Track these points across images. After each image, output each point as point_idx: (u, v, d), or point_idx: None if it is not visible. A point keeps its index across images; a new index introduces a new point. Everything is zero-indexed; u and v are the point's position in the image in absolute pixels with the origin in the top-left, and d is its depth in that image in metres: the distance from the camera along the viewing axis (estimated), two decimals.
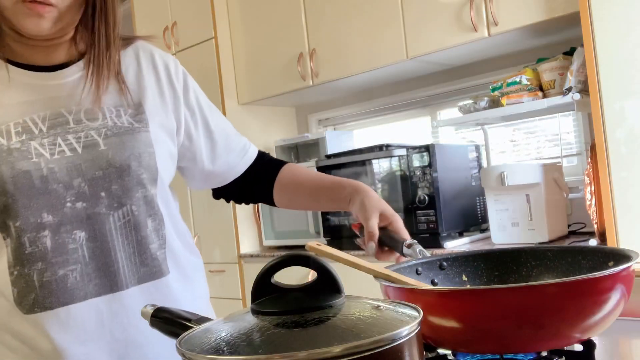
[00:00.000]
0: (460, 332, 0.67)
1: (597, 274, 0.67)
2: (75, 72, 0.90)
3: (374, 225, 0.94)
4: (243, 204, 1.17)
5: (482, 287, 0.85)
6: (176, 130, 1.00)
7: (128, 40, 0.98)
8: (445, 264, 0.94)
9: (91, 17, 0.87)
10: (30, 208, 0.83)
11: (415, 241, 0.98)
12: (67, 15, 0.84)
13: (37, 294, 0.84)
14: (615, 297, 0.68)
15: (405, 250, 0.98)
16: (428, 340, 0.73)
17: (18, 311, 0.85)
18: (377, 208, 0.97)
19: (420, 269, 0.91)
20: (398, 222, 0.97)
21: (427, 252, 0.98)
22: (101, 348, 0.87)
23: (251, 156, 1.13)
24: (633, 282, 0.73)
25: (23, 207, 0.82)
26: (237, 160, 1.11)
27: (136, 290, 0.90)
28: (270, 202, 1.15)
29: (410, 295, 0.71)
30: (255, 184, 1.13)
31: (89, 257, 0.86)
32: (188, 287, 0.98)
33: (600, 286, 0.67)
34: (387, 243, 1.04)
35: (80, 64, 0.91)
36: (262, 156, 1.15)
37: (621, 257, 0.77)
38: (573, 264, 0.87)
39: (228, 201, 1.19)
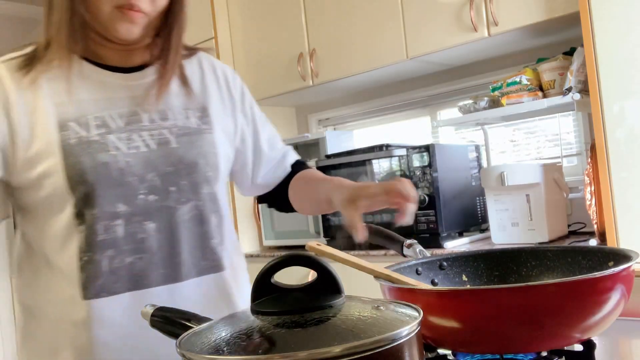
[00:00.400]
0: (460, 332, 0.67)
1: (597, 274, 0.67)
2: (149, 75, 0.97)
3: (353, 212, 0.90)
4: (285, 212, 1.21)
5: (482, 287, 0.86)
6: (233, 136, 1.07)
7: (191, 50, 1.06)
8: (445, 264, 0.94)
9: (169, 25, 0.95)
10: (107, 198, 0.88)
11: (415, 241, 0.98)
12: (153, 23, 0.92)
13: (105, 280, 0.89)
14: (615, 297, 0.68)
15: (405, 250, 0.98)
16: (428, 340, 0.73)
17: (80, 298, 0.89)
18: (347, 191, 0.93)
19: (420, 269, 0.91)
20: (370, 187, 0.92)
21: (427, 252, 0.98)
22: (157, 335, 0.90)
23: (286, 167, 1.17)
24: (633, 282, 0.73)
25: (101, 196, 0.88)
26: (277, 171, 1.16)
27: (195, 282, 0.95)
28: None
29: (410, 296, 0.71)
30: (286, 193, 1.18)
31: (156, 247, 0.92)
32: (238, 284, 1.03)
33: (600, 286, 0.67)
34: (386, 243, 1.04)
35: (153, 67, 0.97)
36: (300, 165, 1.19)
37: (621, 257, 0.77)
38: (573, 264, 0.87)
39: (270, 207, 1.23)
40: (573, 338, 0.69)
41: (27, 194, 0.92)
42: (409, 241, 0.99)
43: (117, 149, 0.90)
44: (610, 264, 0.79)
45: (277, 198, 1.18)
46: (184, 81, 1.01)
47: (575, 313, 0.66)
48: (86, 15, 0.88)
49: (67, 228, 0.89)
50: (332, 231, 2.79)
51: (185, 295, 0.94)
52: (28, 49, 0.95)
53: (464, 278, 0.93)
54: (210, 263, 0.98)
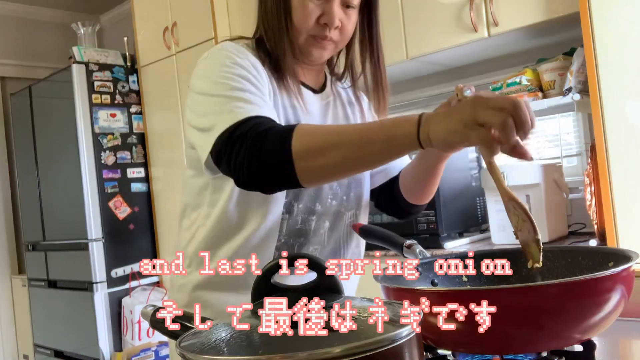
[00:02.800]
0: (460, 333, 0.67)
1: (597, 275, 0.67)
2: (325, 98, 1.13)
3: None
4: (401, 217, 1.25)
5: (481, 287, 0.85)
6: None
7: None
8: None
9: (375, 53, 1.13)
10: (310, 197, 1.06)
11: (415, 242, 0.98)
12: (337, 49, 1.08)
13: None
14: (615, 297, 0.68)
15: (405, 250, 0.98)
16: (428, 340, 0.73)
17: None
18: None
19: (420, 269, 0.91)
20: None
21: (427, 253, 0.98)
22: None
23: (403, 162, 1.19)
24: (633, 282, 0.72)
25: (307, 195, 1.05)
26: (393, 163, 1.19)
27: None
28: (408, 206, 1.20)
29: (410, 296, 0.71)
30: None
31: (326, 242, 1.10)
32: (354, 286, 1.18)
33: (600, 287, 0.67)
34: (386, 243, 1.04)
35: (327, 90, 1.14)
36: None
37: (621, 257, 0.77)
38: (573, 265, 0.87)
39: (382, 210, 1.27)
40: (573, 338, 0.69)
41: None
42: (408, 242, 0.99)
43: None
44: (610, 264, 0.79)
45: (386, 199, 1.22)
46: (355, 95, 1.18)
47: (575, 314, 0.66)
48: (286, 41, 1.01)
49: (277, 213, 1.04)
50: None
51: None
52: (246, 42, 1.06)
53: (464, 279, 0.93)
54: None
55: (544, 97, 2.27)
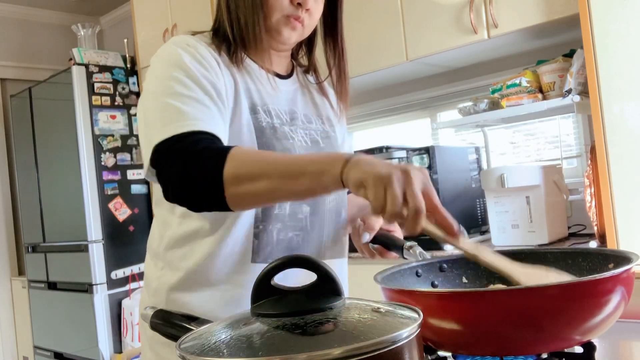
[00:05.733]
0: (460, 335, 0.67)
1: (598, 276, 0.66)
2: (293, 83, 1.14)
3: (377, 222, 1.00)
4: None
5: (481, 289, 0.85)
6: (341, 143, 1.21)
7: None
8: (445, 265, 0.94)
9: (339, 42, 1.19)
10: None
11: (415, 243, 0.98)
12: (303, 35, 1.08)
13: (272, 248, 1.01)
14: (615, 299, 0.68)
15: (405, 252, 0.98)
16: (428, 342, 0.72)
17: (248, 262, 1.00)
18: None
19: (420, 270, 0.91)
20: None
21: (427, 255, 0.98)
22: None
23: None
24: (633, 284, 0.72)
25: None
26: None
27: (332, 262, 1.09)
28: None
29: (410, 298, 0.71)
30: None
31: (309, 227, 1.06)
32: (346, 273, 1.17)
33: (600, 288, 0.67)
34: (386, 244, 1.04)
35: (295, 77, 1.15)
36: None
37: (621, 259, 0.77)
38: (573, 266, 0.87)
39: None
40: (573, 340, 0.69)
41: None
42: (409, 243, 0.99)
43: (292, 139, 1.04)
44: (611, 265, 0.79)
45: None
46: (322, 90, 1.20)
47: (575, 315, 0.66)
48: (261, 21, 1.02)
49: None
50: None
51: None
52: (204, 36, 1.05)
53: (464, 280, 0.93)
54: (339, 248, 1.13)
55: (544, 98, 2.27)
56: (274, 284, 0.61)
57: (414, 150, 2.47)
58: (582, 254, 0.87)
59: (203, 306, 0.99)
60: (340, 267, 1.13)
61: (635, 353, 0.91)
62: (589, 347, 0.77)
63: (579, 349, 0.78)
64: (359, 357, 0.48)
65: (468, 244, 0.75)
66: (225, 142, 0.94)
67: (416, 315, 0.56)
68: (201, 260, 0.99)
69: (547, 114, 2.45)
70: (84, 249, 3.43)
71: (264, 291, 0.61)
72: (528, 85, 2.29)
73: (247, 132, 0.98)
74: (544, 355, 0.76)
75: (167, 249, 1.03)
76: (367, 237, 1.00)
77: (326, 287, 0.60)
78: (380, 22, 2.64)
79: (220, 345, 0.53)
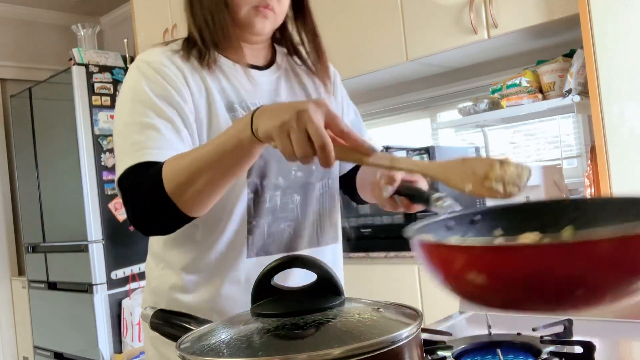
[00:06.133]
0: (489, 289, 0.60)
1: None
2: (274, 72, 1.11)
3: (398, 172, 0.93)
4: (357, 202, 1.26)
5: (512, 243, 0.71)
6: None
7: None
8: (478, 217, 0.82)
9: (310, 30, 1.14)
10: (273, 171, 1.02)
11: (444, 194, 0.89)
12: (277, 21, 1.06)
13: (264, 242, 1.02)
14: None
15: (432, 204, 0.89)
16: (456, 293, 0.64)
17: (243, 258, 1.01)
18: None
19: (451, 223, 0.81)
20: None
21: (457, 206, 0.87)
22: None
23: None
24: None
25: (270, 169, 1.02)
26: None
27: (330, 248, 1.11)
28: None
29: (451, 252, 0.63)
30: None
31: (300, 216, 1.06)
32: (340, 260, 1.17)
33: None
34: (411, 196, 0.95)
35: (275, 66, 1.12)
36: None
37: None
38: (621, 215, 0.70)
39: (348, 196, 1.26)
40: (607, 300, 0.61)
41: None
42: (436, 195, 0.88)
43: None
44: None
45: (348, 186, 1.22)
46: (310, 70, 1.16)
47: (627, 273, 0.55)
48: (227, 17, 1.02)
49: (243, 196, 1.01)
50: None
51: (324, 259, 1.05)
52: (175, 45, 1.05)
53: (499, 232, 0.81)
54: (333, 233, 1.13)
55: (544, 98, 2.27)
56: (274, 284, 0.61)
57: (414, 150, 2.47)
58: (633, 202, 0.70)
59: (203, 304, 1.00)
60: (334, 253, 1.14)
61: (635, 353, 0.91)
62: (589, 347, 0.77)
63: (578, 349, 0.77)
64: (359, 357, 0.48)
65: (382, 158, 0.75)
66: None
67: (416, 315, 0.56)
68: (198, 259, 1.01)
69: (547, 114, 2.45)
70: (84, 249, 3.43)
71: (264, 291, 0.61)
72: (528, 85, 2.29)
73: None
74: (544, 356, 0.76)
75: (166, 249, 1.05)
76: (390, 190, 0.93)
77: (326, 287, 0.60)
78: (380, 22, 2.64)
79: (220, 345, 0.53)
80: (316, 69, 1.15)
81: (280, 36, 1.16)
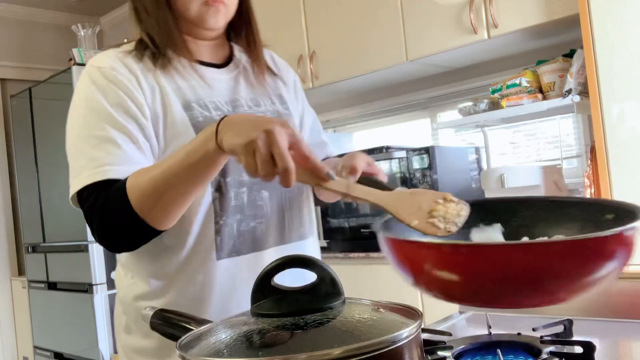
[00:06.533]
0: (457, 285, 0.65)
1: (610, 232, 0.62)
2: (232, 70, 1.10)
3: (359, 162, 0.95)
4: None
5: (473, 243, 0.79)
6: (299, 120, 1.20)
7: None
8: None
9: (248, 23, 1.13)
10: (236, 168, 0.99)
11: (404, 188, 0.95)
12: (229, 14, 1.05)
13: (235, 241, 1.00)
14: (619, 256, 0.64)
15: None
16: (424, 288, 0.69)
17: (213, 260, 0.99)
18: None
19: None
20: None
21: None
22: None
23: (327, 153, 1.24)
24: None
25: (232, 166, 0.99)
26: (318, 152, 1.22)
27: (298, 244, 1.09)
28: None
29: (410, 248, 0.68)
30: None
31: (270, 213, 1.05)
32: (316, 251, 1.17)
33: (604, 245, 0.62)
34: (371, 184, 0.97)
35: (233, 63, 1.11)
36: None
37: (622, 210, 0.73)
38: (566, 215, 0.82)
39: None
40: (561, 298, 0.66)
41: None
42: (399, 188, 0.95)
43: None
44: (610, 216, 0.76)
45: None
46: (271, 69, 1.16)
47: (576, 273, 0.62)
48: (170, 18, 1.02)
49: (207, 194, 0.99)
50: (332, 233, 2.79)
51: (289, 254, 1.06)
52: (128, 46, 1.05)
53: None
54: (303, 229, 1.12)
55: (544, 98, 2.27)
56: (274, 284, 0.61)
57: (414, 150, 2.47)
58: (577, 205, 0.82)
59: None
60: (304, 249, 1.11)
61: (635, 353, 0.91)
62: (589, 347, 0.77)
63: (578, 349, 0.78)
64: (359, 357, 0.48)
65: (338, 184, 0.79)
66: (145, 162, 0.93)
67: (416, 315, 0.57)
68: (166, 264, 0.99)
69: (547, 114, 2.45)
70: (84, 249, 3.43)
71: (264, 291, 0.61)
72: (528, 85, 2.29)
73: (184, 131, 0.97)
74: (544, 356, 0.76)
75: (133, 259, 1.04)
76: (352, 180, 0.95)
77: (326, 287, 0.60)
78: (380, 23, 2.64)
79: (220, 345, 0.53)
80: (252, 61, 1.12)
81: (235, 33, 1.15)
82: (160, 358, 0.99)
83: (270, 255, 1.03)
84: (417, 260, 0.66)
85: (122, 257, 1.07)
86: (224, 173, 0.99)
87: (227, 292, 0.99)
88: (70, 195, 0.94)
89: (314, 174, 0.78)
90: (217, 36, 1.09)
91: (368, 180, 0.95)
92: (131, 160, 0.92)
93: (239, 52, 1.14)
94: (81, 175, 0.91)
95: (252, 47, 1.13)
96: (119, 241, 0.92)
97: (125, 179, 0.87)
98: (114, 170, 0.90)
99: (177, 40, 1.03)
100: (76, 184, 0.92)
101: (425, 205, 0.76)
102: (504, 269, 0.61)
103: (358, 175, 0.94)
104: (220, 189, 0.99)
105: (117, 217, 0.87)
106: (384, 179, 0.98)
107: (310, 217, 1.14)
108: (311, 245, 1.14)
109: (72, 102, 1.00)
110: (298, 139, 0.75)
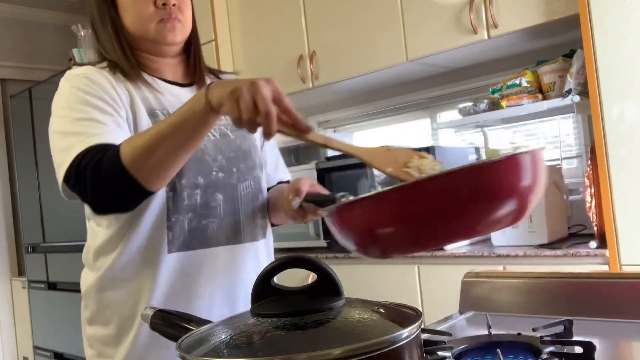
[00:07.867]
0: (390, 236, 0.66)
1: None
2: (194, 90, 1.18)
3: (303, 185, 1.06)
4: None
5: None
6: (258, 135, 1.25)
7: (220, 73, 1.28)
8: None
9: (194, 48, 1.22)
10: (192, 171, 1.08)
11: (346, 193, 1.00)
12: (185, 30, 1.15)
13: (185, 237, 1.08)
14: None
15: (338, 201, 0.99)
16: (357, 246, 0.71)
17: (164, 253, 1.07)
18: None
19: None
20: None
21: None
22: (221, 284, 1.12)
23: (273, 181, 1.30)
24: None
25: (188, 169, 1.07)
26: (272, 175, 1.30)
27: (248, 245, 1.16)
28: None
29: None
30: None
31: (223, 215, 1.12)
32: (270, 254, 1.24)
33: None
34: (317, 202, 1.05)
35: (196, 87, 1.19)
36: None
37: None
38: None
39: None
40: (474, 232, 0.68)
41: None
42: (340, 194, 1.00)
43: None
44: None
45: None
46: None
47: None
48: (126, 46, 1.11)
49: (162, 192, 1.06)
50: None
51: (241, 254, 1.15)
52: (100, 65, 1.13)
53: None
54: (257, 231, 1.19)
55: (544, 98, 2.27)
56: (274, 284, 0.61)
57: (414, 150, 2.46)
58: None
59: (129, 299, 1.08)
60: (256, 250, 1.18)
61: (635, 353, 0.91)
62: (589, 348, 0.77)
63: (578, 349, 0.78)
64: (359, 357, 0.48)
65: (318, 136, 0.86)
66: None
67: (416, 315, 0.57)
68: (117, 258, 1.08)
69: (547, 114, 2.45)
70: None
71: (264, 291, 0.61)
72: (528, 85, 2.29)
73: None
74: (544, 356, 0.76)
75: (95, 258, 1.15)
76: (297, 201, 1.04)
77: (326, 287, 0.60)
78: (380, 23, 2.64)
79: (220, 345, 0.53)
80: (192, 74, 1.20)
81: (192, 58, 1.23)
82: (118, 344, 1.11)
83: (223, 252, 1.12)
84: (352, 220, 0.68)
85: (89, 259, 1.19)
86: (179, 175, 1.06)
87: (176, 284, 1.08)
88: (64, 173, 0.98)
89: (294, 127, 0.84)
90: (177, 54, 1.18)
91: (314, 195, 1.05)
92: (117, 137, 0.98)
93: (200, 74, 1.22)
94: (72, 151, 0.98)
95: (197, 67, 1.21)
96: (110, 200, 0.96)
97: (119, 144, 0.93)
98: (104, 137, 0.98)
99: (141, 59, 1.13)
100: (69, 158, 0.98)
101: (401, 159, 0.81)
102: (419, 207, 0.62)
103: (303, 196, 1.03)
104: (175, 190, 1.07)
105: (109, 174, 0.92)
106: (326, 192, 1.08)
107: (264, 222, 1.21)
108: (263, 246, 1.21)
109: (53, 106, 1.11)
110: (280, 93, 0.82)
